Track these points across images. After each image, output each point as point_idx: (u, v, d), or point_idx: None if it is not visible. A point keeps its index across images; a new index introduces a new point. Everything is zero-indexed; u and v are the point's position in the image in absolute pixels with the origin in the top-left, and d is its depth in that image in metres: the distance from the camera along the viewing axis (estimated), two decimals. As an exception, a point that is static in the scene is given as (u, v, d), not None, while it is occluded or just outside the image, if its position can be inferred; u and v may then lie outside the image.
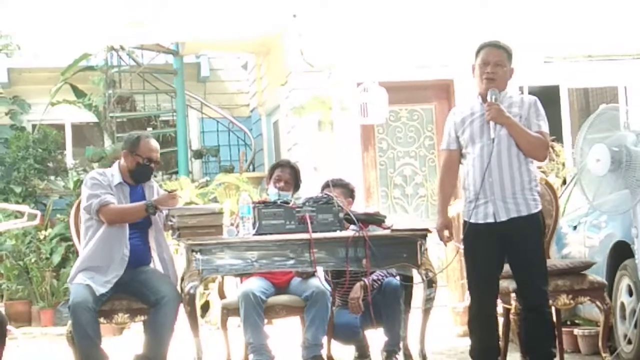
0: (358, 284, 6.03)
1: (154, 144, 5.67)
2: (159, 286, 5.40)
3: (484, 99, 5.07)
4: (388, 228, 5.57)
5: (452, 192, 5.28)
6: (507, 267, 5.21)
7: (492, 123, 4.99)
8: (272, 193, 5.68)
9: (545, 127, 5.08)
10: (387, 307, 5.96)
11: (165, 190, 6.25)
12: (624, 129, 4.98)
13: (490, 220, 5.03)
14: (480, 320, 5.14)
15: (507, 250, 5.08)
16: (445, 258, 9.13)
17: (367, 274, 5.79)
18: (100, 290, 5.31)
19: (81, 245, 5.57)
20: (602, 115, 5.09)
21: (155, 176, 10.51)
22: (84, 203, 5.50)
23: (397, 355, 5.97)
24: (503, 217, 5.01)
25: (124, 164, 5.62)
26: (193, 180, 10.67)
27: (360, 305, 6.00)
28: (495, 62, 5.06)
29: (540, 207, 5.11)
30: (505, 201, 5.01)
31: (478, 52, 5.14)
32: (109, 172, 5.65)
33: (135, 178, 5.61)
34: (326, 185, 6.13)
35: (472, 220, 5.08)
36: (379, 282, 6.05)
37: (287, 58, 9.84)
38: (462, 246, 5.34)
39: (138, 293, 5.42)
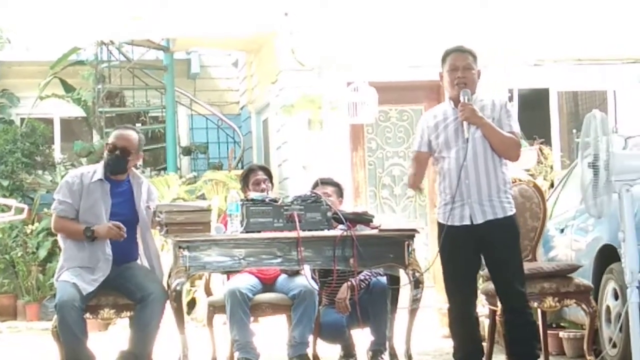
0: (345, 285, 6.03)
1: (125, 132, 5.65)
2: (146, 283, 5.39)
3: (456, 103, 5.11)
4: (376, 228, 5.58)
5: (421, 179, 5.34)
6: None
7: (465, 123, 5.03)
8: (256, 197, 5.66)
9: (516, 128, 5.14)
10: (374, 307, 5.97)
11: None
12: (612, 133, 4.99)
13: (467, 222, 5.06)
14: (461, 323, 5.16)
15: (484, 253, 5.11)
16: (433, 259, 9.17)
17: (355, 274, 5.79)
18: (88, 289, 5.29)
19: (63, 243, 5.55)
20: (593, 120, 5.09)
21: (143, 172, 10.51)
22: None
23: (382, 355, 5.97)
24: (480, 220, 5.04)
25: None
26: (181, 177, 10.66)
27: (347, 305, 6.01)
28: (464, 66, 5.12)
29: (514, 210, 5.15)
30: (481, 204, 5.04)
31: (444, 59, 5.20)
32: (91, 169, 5.63)
33: (109, 170, 5.57)
34: (316, 184, 6.16)
35: (448, 223, 5.10)
36: (366, 282, 6.06)
37: (278, 56, 9.83)
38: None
39: (124, 289, 5.41)
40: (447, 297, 5.25)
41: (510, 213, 5.09)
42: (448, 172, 5.10)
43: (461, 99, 5.05)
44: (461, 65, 5.11)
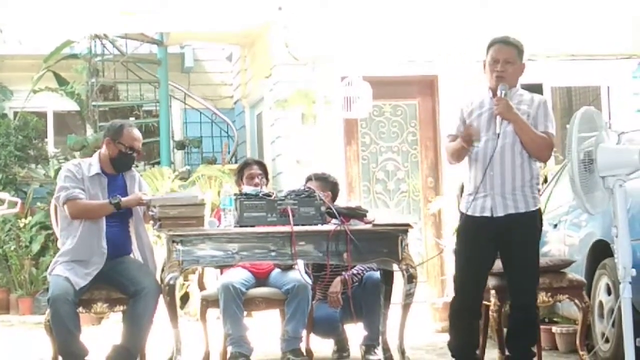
0: (338, 279, 6.04)
1: (137, 133, 5.65)
2: (139, 277, 5.38)
3: (494, 94, 5.08)
4: (369, 222, 5.58)
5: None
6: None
7: (498, 118, 5.00)
8: (249, 191, 5.66)
9: (551, 129, 5.09)
10: (367, 302, 5.97)
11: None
12: (603, 129, 4.99)
13: (487, 214, 5.03)
14: (461, 315, 5.14)
15: (501, 247, 5.08)
16: (426, 253, 9.18)
17: (348, 268, 5.80)
18: (80, 283, 5.27)
19: (60, 237, 5.54)
20: (585, 115, 5.09)
21: (136, 166, 10.50)
22: (55, 194, 5.50)
23: (375, 350, 5.98)
24: (500, 213, 5.01)
25: (105, 152, 5.58)
26: (175, 171, 10.65)
27: (339, 299, 6.01)
28: (505, 59, 5.08)
29: (539, 205, 5.11)
30: (504, 197, 5.01)
31: (488, 48, 5.15)
32: (87, 162, 5.61)
33: (116, 167, 5.58)
34: (308, 179, 6.17)
35: (469, 213, 5.09)
36: (360, 276, 6.06)
37: (272, 50, 9.83)
38: (442, 242, 5.35)
39: (117, 283, 5.39)
40: (453, 286, 5.23)
41: (533, 208, 5.04)
42: (475, 162, 5.09)
43: (498, 93, 5.02)
44: (502, 58, 5.08)
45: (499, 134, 4.99)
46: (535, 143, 5.02)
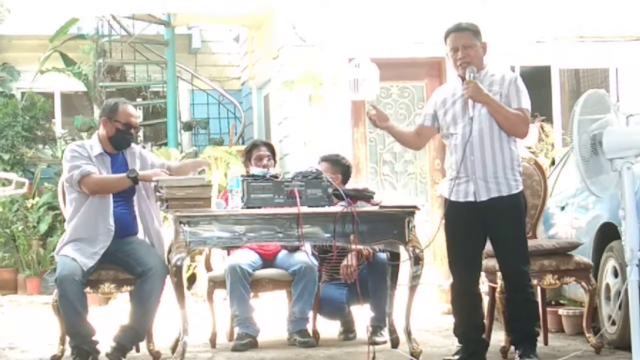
0: (351, 253, 6.01)
1: (132, 109, 5.67)
2: (146, 257, 5.39)
3: (464, 80, 5.08)
4: (376, 204, 5.57)
5: (407, 136, 5.33)
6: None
7: (470, 102, 5.01)
8: (257, 172, 5.66)
9: (525, 104, 5.09)
10: (374, 284, 5.98)
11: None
12: (614, 111, 4.98)
13: (471, 199, 5.05)
14: (462, 299, 5.16)
15: (488, 230, 5.09)
16: (434, 234, 9.17)
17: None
18: (88, 263, 5.30)
19: (67, 219, 5.55)
20: (591, 97, 5.08)
21: (144, 147, 10.49)
22: (65, 175, 5.49)
23: (382, 332, 6.00)
24: (483, 197, 5.03)
25: (103, 133, 5.58)
26: (182, 152, 10.65)
27: (352, 273, 5.99)
28: (463, 45, 5.07)
29: (521, 188, 5.12)
30: (486, 180, 5.02)
31: (445, 39, 5.16)
32: (88, 143, 5.63)
33: (115, 145, 5.58)
34: (320, 160, 6.19)
35: (452, 198, 5.10)
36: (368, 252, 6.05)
37: (279, 32, 9.81)
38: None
39: (124, 264, 5.41)
40: (450, 272, 5.25)
41: (515, 191, 5.05)
42: (455, 148, 5.09)
43: (467, 76, 5.02)
44: (460, 44, 5.07)
45: (472, 118, 4.99)
46: (510, 121, 5.03)
